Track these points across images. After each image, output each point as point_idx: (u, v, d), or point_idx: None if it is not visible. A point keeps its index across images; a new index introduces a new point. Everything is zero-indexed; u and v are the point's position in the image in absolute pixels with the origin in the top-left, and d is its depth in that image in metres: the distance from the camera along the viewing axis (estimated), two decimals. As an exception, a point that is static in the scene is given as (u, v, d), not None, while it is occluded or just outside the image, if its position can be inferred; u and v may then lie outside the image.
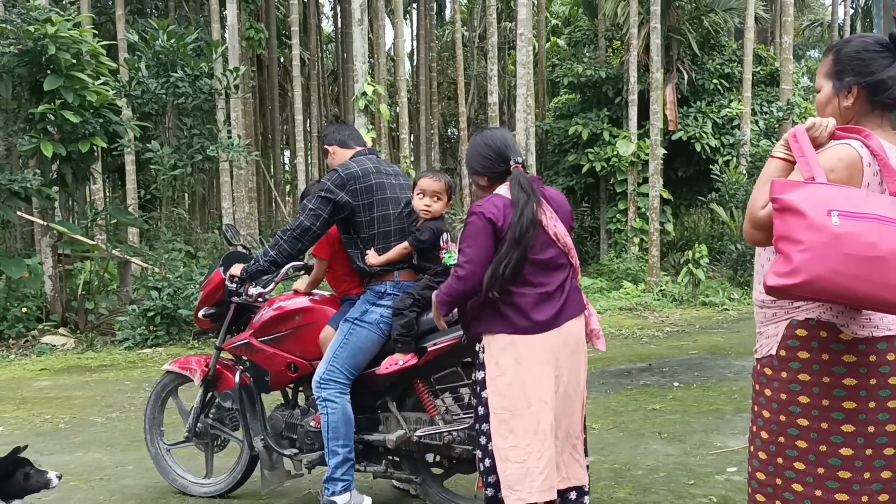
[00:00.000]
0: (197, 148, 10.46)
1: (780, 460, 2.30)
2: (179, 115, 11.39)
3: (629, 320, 11.25)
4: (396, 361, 3.65)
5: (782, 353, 2.29)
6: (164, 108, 10.65)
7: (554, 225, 3.14)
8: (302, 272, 4.19)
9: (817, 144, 2.21)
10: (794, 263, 2.00)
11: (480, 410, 3.19)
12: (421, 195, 3.73)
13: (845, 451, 2.20)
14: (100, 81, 10.21)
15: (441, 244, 3.74)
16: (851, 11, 24.48)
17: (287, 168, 32.44)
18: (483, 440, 3.18)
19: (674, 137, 15.98)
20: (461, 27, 21.09)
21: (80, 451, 5.60)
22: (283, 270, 3.92)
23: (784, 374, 2.28)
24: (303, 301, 4.00)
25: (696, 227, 20.58)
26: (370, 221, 3.73)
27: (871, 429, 2.19)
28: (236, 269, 3.87)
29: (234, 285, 3.92)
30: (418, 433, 3.67)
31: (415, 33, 28.78)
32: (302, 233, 3.67)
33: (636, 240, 15.53)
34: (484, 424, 3.17)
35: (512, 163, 3.17)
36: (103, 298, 11.36)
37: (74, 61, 9.85)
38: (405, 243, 3.76)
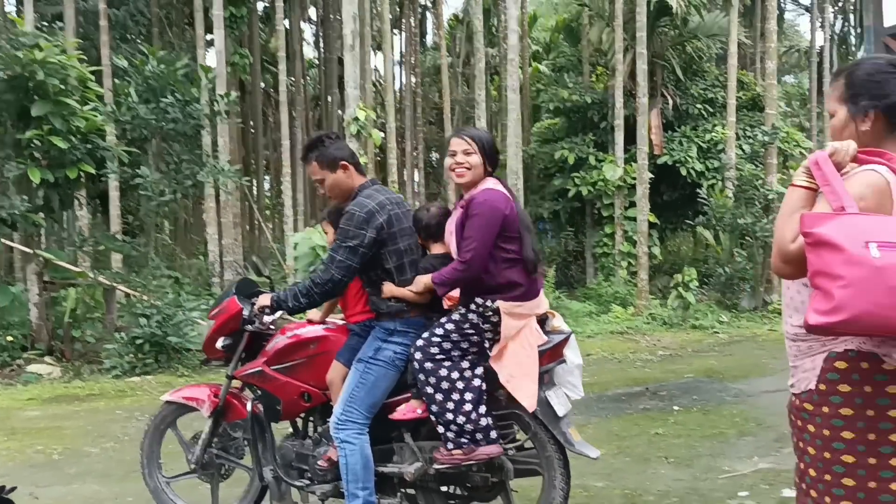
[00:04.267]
0: (186, 174, 10.37)
1: (827, 500, 2.23)
2: (164, 141, 11.32)
3: (621, 344, 11.24)
4: (415, 409, 3.60)
5: (822, 387, 2.20)
6: (151, 134, 10.56)
7: None
8: None
9: (839, 169, 2.14)
10: (837, 300, 1.93)
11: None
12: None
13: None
14: (88, 107, 10.13)
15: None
16: (828, 37, 24.87)
17: (269, 194, 32.34)
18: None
19: (659, 162, 16.12)
20: (444, 54, 21.19)
21: (77, 483, 5.47)
22: None
23: (826, 409, 2.19)
24: (317, 330, 3.93)
25: (679, 251, 20.75)
26: (395, 252, 3.64)
27: None
28: (266, 299, 3.76)
29: (264, 313, 3.78)
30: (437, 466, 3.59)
31: (398, 59, 28.92)
32: (334, 285, 3.58)
33: (624, 263, 15.57)
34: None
35: None
36: (89, 326, 11.17)
37: (62, 87, 9.78)
38: (414, 293, 3.61)
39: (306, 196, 22.78)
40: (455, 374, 3.45)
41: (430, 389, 3.45)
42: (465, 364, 3.48)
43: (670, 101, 16.51)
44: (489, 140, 3.61)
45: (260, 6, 24.32)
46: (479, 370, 3.50)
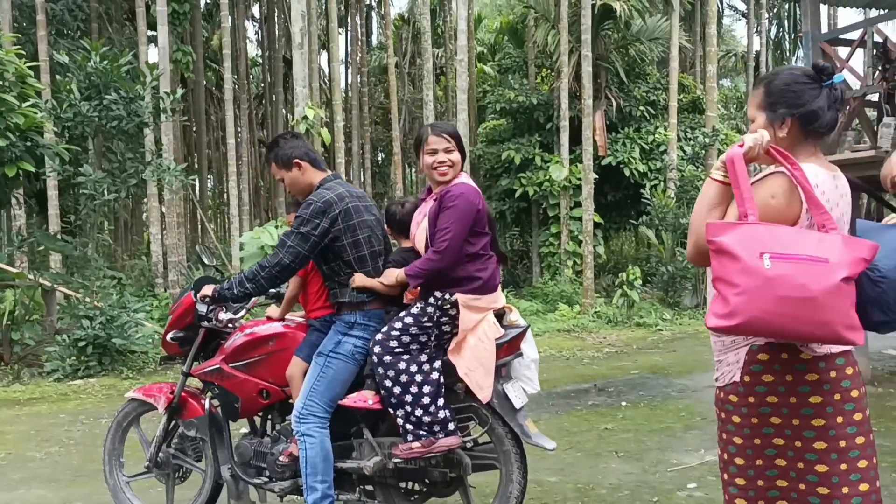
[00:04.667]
0: (131, 172, 10.17)
1: (760, 482, 2.38)
2: (107, 139, 11.06)
3: (568, 342, 11.41)
4: (365, 399, 3.64)
5: (746, 378, 2.34)
6: (94, 132, 10.31)
7: None
8: (273, 299, 4.13)
9: (754, 161, 2.32)
10: (732, 306, 2.11)
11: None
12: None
13: (821, 468, 2.29)
14: (27, 104, 9.85)
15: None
16: (764, 42, 25.61)
17: (211, 193, 31.90)
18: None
19: (603, 163, 16.38)
20: (391, 53, 21.18)
21: (23, 489, 5.34)
22: (254, 297, 3.87)
23: (752, 399, 2.34)
24: (276, 327, 3.93)
25: (622, 250, 21.11)
26: (355, 243, 3.67)
27: (842, 444, 2.28)
28: (208, 289, 3.76)
29: (205, 308, 3.81)
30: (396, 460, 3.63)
31: (343, 59, 28.76)
32: (281, 270, 3.59)
33: (570, 263, 15.80)
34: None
35: None
36: (28, 328, 10.88)
37: (0, 83, 9.49)
38: (401, 271, 3.62)
39: (251, 195, 22.53)
40: (413, 368, 3.49)
41: (388, 382, 3.49)
42: (424, 357, 3.53)
43: (614, 103, 16.79)
44: (458, 134, 3.72)
45: (202, 3, 23.97)
46: (438, 363, 3.55)
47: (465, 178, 3.70)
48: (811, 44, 6.88)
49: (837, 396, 2.28)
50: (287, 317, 4.06)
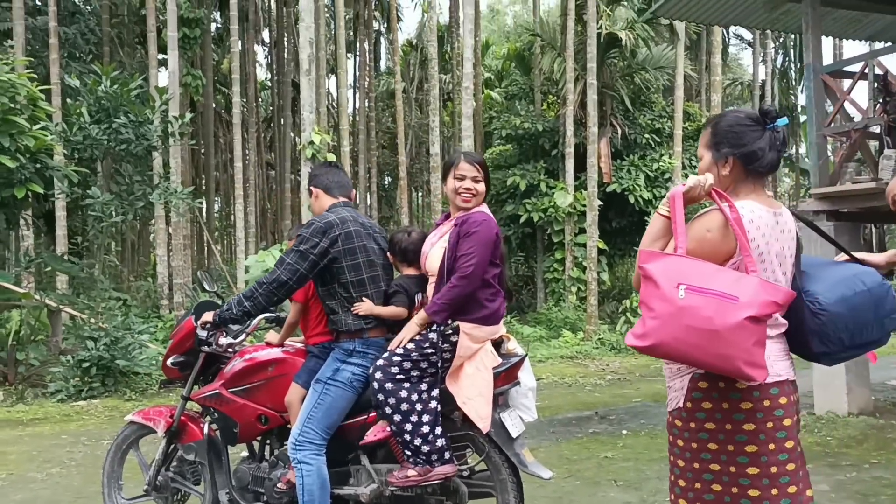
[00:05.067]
0: (138, 195, 10.27)
1: None
2: (115, 162, 11.19)
3: (571, 368, 11.40)
4: (385, 429, 3.63)
5: (688, 404, 2.46)
6: (103, 155, 10.44)
7: None
8: (273, 324, 4.17)
9: (696, 201, 2.46)
10: (646, 328, 2.29)
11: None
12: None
13: (753, 493, 2.38)
14: (38, 126, 9.98)
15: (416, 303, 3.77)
16: (770, 71, 25.77)
17: (217, 216, 32.05)
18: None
19: (608, 189, 16.45)
20: (398, 79, 21.37)
21: (23, 510, 5.36)
22: (254, 322, 3.91)
23: (693, 425, 2.46)
24: (275, 352, 3.96)
25: (627, 277, 21.10)
26: (354, 266, 3.71)
27: (773, 469, 2.38)
28: (208, 315, 3.79)
29: (206, 332, 3.85)
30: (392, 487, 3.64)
31: (351, 84, 29.03)
32: (278, 286, 3.63)
33: (574, 289, 15.82)
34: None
35: None
36: (34, 349, 10.94)
37: (11, 105, 9.63)
38: (395, 308, 3.72)
39: (257, 218, 22.65)
40: (414, 396, 3.52)
41: (388, 410, 3.51)
42: (424, 385, 3.56)
43: (619, 131, 16.90)
44: (488, 169, 3.79)
45: (213, 28, 24.27)
46: (436, 391, 3.58)
47: (485, 208, 3.75)
48: (812, 76, 6.94)
49: (770, 424, 2.38)
50: (286, 342, 4.10)
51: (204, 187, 26.60)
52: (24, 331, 11.19)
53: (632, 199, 16.41)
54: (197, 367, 4.05)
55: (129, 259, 24.81)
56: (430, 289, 3.73)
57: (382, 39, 31.70)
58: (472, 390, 3.50)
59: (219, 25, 26.71)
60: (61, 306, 11.33)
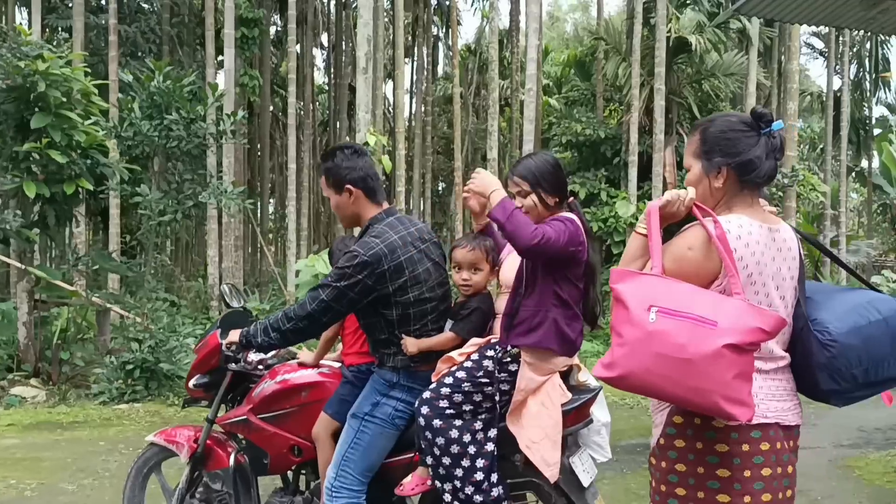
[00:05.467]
0: (188, 194, 10.01)
1: None
2: (168, 160, 11.00)
3: (631, 388, 10.77)
4: (424, 481, 3.14)
5: (661, 441, 2.23)
6: (154, 152, 10.22)
7: None
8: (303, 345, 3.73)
9: (675, 219, 2.24)
10: (613, 357, 2.03)
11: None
12: (457, 268, 3.28)
13: None
14: (90, 121, 9.81)
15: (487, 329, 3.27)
16: (844, 82, 24.66)
17: (272, 217, 32.13)
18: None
19: (672, 200, 15.74)
20: (457, 83, 20.98)
21: (46, 526, 5.03)
22: None
23: (664, 464, 2.22)
24: (310, 375, 3.51)
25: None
26: (404, 303, 3.16)
27: None
28: (234, 335, 3.31)
29: (233, 351, 3.40)
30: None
31: (408, 88, 28.78)
32: (309, 324, 3.10)
33: (633, 303, 15.14)
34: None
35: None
36: (79, 348, 10.76)
37: (64, 100, 9.47)
38: (451, 334, 3.21)
39: (310, 221, 22.49)
40: (467, 437, 3.02)
41: (437, 451, 3.02)
42: (479, 424, 3.05)
43: (685, 139, 16.18)
44: (543, 169, 3.08)
45: (272, 30, 24.26)
46: (493, 432, 3.08)
47: (571, 215, 3.13)
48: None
49: (747, 473, 2.12)
50: (323, 362, 3.64)
51: (259, 188, 26.58)
52: (71, 329, 11.03)
53: (697, 211, 15.66)
54: (223, 388, 3.63)
55: (183, 259, 24.90)
56: (498, 302, 3.25)
57: (440, 44, 31.39)
58: (537, 432, 2.98)
59: (278, 28, 26.72)
60: (108, 305, 11.15)
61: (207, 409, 3.75)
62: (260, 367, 3.58)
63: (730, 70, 16.12)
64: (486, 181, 3.02)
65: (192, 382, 3.68)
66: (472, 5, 30.84)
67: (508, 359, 3.05)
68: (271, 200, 32.19)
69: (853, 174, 29.61)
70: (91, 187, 9.81)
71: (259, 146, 25.21)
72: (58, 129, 9.29)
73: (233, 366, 3.54)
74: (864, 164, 29.15)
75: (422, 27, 25.51)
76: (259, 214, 27.47)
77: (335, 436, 3.31)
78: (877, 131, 28.24)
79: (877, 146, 27.53)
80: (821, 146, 24.87)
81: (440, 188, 32.22)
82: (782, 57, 18.38)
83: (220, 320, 3.74)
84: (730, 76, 16.33)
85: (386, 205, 3.36)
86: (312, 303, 3.09)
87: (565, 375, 3.20)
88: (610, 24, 17.99)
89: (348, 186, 3.26)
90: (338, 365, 3.60)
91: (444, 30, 30.89)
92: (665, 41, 14.42)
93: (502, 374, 3.05)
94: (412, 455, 3.22)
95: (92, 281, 13.99)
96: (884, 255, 28.77)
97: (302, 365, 3.60)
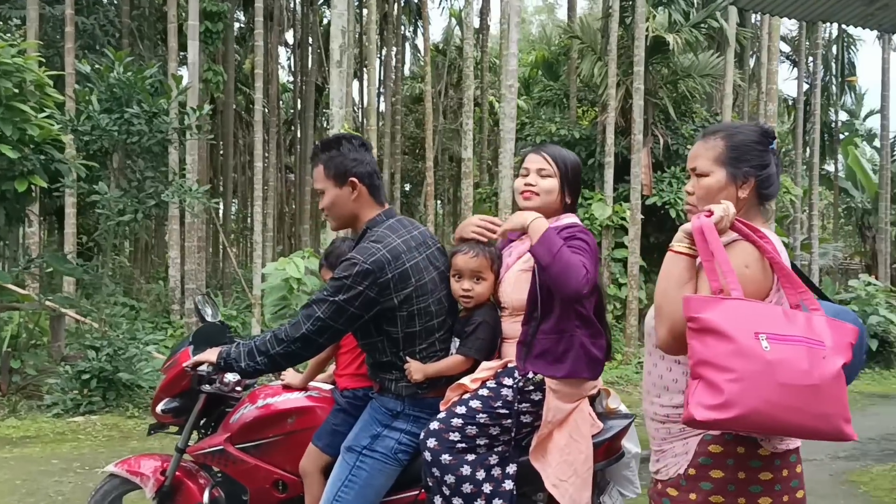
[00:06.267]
0: (150, 192, 9.45)
1: None
2: (128, 156, 10.41)
3: (612, 396, 10.45)
4: None
5: (691, 471, 2.09)
6: (113, 148, 9.64)
7: None
8: None
9: (722, 233, 2.09)
10: (727, 395, 1.83)
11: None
12: (457, 277, 2.86)
13: None
14: (44, 115, 9.20)
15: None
16: (810, 85, 24.73)
17: (234, 218, 31.40)
18: None
19: (647, 202, 15.50)
20: (429, 81, 20.56)
21: (-11, 562, 4.51)
22: None
23: (693, 496, 2.07)
24: (298, 399, 3.06)
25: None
26: (409, 316, 2.75)
27: None
28: (211, 353, 2.85)
29: (207, 371, 2.92)
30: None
31: (377, 87, 28.29)
32: (304, 345, 2.68)
33: (609, 307, 14.86)
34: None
35: None
36: (31, 356, 10.11)
37: (16, 91, 8.85)
38: (460, 357, 2.79)
39: (275, 222, 21.91)
40: (480, 474, 2.60)
41: (446, 491, 2.59)
42: (494, 459, 2.64)
43: (661, 141, 15.93)
44: (575, 164, 2.83)
45: (236, 26, 23.64)
46: (512, 468, 2.66)
47: (576, 220, 2.85)
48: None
49: (786, 498, 2.08)
50: (312, 384, 3.19)
51: (222, 188, 25.88)
52: (23, 336, 10.38)
53: (673, 214, 15.42)
54: (195, 412, 3.16)
55: (143, 261, 24.13)
56: (505, 325, 2.83)
57: (407, 45, 30.95)
58: (565, 469, 2.58)
59: (242, 26, 26.06)
60: (63, 310, 10.53)
61: (177, 435, 3.28)
62: (238, 388, 3.12)
63: (706, 71, 15.88)
64: (521, 216, 2.67)
65: (159, 407, 3.20)
66: (439, 4, 30.28)
67: (531, 387, 2.64)
68: (234, 201, 31.46)
69: (819, 178, 29.83)
70: (45, 185, 9.20)
71: (222, 144, 24.50)
72: (9, 123, 8.68)
73: (207, 387, 3.07)
74: (830, 167, 29.34)
75: (392, 24, 25.06)
76: (222, 215, 26.77)
77: (326, 470, 2.87)
78: (843, 135, 28.47)
79: (843, 150, 27.74)
80: (790, 149, 24.88)
81: (407, 188, 31.76)
82: (759, 57, 18.29)
83: (192, 335, 3.27)
84: (705, 77, 16.11)
85: (387, 206, 2.95)
86: (307, 321, 2.66)
87: (591, 400, 2.80)
88: (585, 22, 17.68)
89: (353, 179, 2.85)
90: (329, 388, 3.15)
91: (411, 28, 30.46)
92: (644, 39, 14.15)
93: (523, 405, 2.64)
94: (417, 493, 2.79)
95: (46, 284, 13.31)
96: (849, 258, 29.03)
97: (287, 387, 3.15)
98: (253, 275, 14.88)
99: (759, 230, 2.12)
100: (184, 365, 2.96)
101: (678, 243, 2.12)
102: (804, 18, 7.26)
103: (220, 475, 3.12)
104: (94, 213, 12.25)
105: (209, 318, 3.34)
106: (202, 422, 3.27)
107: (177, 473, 3.24)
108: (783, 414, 1.84)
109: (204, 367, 2.86)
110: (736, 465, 2.05)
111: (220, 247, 24.61)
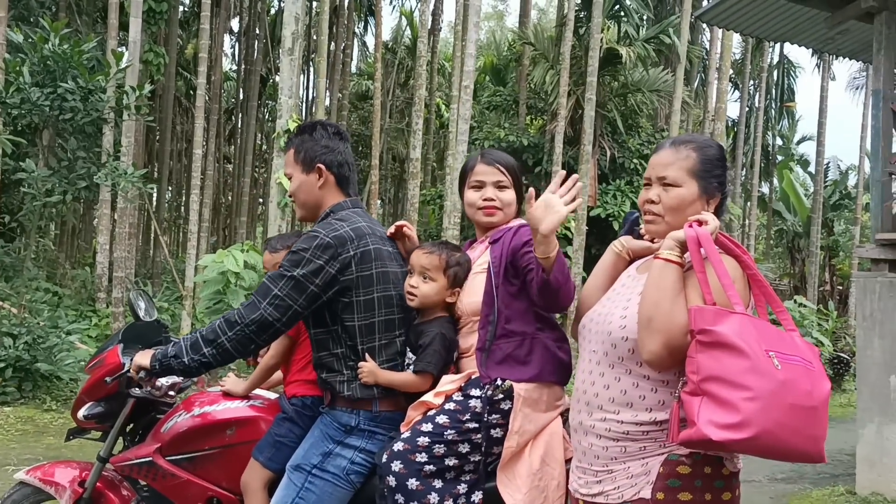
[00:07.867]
0: (81, 173, 8.93)
1: None
2: (59, 134, 9.86)
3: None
4: None
5: (659, 495, 1.94)
6: (44, 124, 9.10)
7: None
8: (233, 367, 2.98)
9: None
10: (744, 414, 1.74)
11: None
12: (410, 272, 2.65)
13: None
14: (-33, 85, 8.64)
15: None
16: (747, 108, 25.33)
17: (168, 206, 30.49)
18: None
19: (591, 214, 15.53)
20: (379, 78, 20.27)
21: None
22: None
23: None
24: (239, 408, 2.77)
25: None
26: (368, 303, 2.53)
27: None
28: (145, 357, 2.55)
29: (140, 375, 2.61)
30: None
31: (325, 85, 27.84)
32: (259, 329, 2.42)
33: (550, 317, 14.82)
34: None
35: None
36: (-59, 342, 9.46)
37: (-63, 59, 8.30)
38: (416, 378, 2.55)
39: (210, 212, 21.33)
40: (449, 502, 2.36)
41: None
42: (463, 487, 2.40)
43: (608, 153, 15.99)
44: (519, 169, 2.72)
45: (180, 10, 22.95)
46: (478, 496, 2.43)
47: (523, 221, 2.66)
48: (881, 104, 6.02)
49: None
50: (255, 392, 2.90)
51: (157, 174, 25.08)
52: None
53: (616, 226, 15.48)
54: (122, 418, 2.84)
55: (69, 245, 23.17)
56: (463, 340, 2.61)
57: (356, 41, 30.56)
58: (535, 496, 2.36)
59: (186, 9, 25.34)
60: (-23, 293, 9.90)
61: (99, 442, 2.95)
62: (171, 393, 2.82)
63: (656, 86, 16.02)
64: (544, 213, 2.40)
65: (81, 412, 2.86)
66: (391, 3, 30.00)
67: (500, 395, 2.42)
68: (169, 188, 30.55)
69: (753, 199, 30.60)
70: (-34, 160, 8.65)
71: (159, 130, 23.72)
72: (-72, 91, 8.13)
73: (136, 391, 2.76)
74: (765, 189, 30.06)
75: (342, 19, 24.67)
76: (156, 202, 25.92)
77: (270, 486, 2.59)
78: (779, 157, 29.20)
79: (778, 173, 28.44)
80: (730, 170, 25.53)
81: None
82: (705, 76, 18.55)
83: (122, 332, 2.95)
84: (655, 92, 16.24)
85: (353, 195, 2.75)
86: (263, 300, 2.42)
87: (564, 420, 2.59)
88: (539, 29, 17.65)
89: (320, 166, 2.66)
90: (275, 396, 2.87)
91: (361, 25, 30.10)
92: (598, 50, 14.15)
93: (493, 416, 2.42)
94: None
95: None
96: (778, 279, 29.75)
97: (227, 395, 2.85)
98: (186, 266, 14.35)
99: (741, 245, 2.06)
100: (122, 357, 2.65)
101: (669, 251, 2.00)
102: (767, 38, 7.29)
103: (146, 489, 2.79)
104: (18, 192, 11.61)
105: (143, 316, 3.01)
106: (129, 428, 2.95)
107: (97, 485, 2.90)
108: (787, 435, 1.79)
109: (138, 374, 2.54)
110: (703, 486, 1.96)
111: (152, 235, 23.85)
